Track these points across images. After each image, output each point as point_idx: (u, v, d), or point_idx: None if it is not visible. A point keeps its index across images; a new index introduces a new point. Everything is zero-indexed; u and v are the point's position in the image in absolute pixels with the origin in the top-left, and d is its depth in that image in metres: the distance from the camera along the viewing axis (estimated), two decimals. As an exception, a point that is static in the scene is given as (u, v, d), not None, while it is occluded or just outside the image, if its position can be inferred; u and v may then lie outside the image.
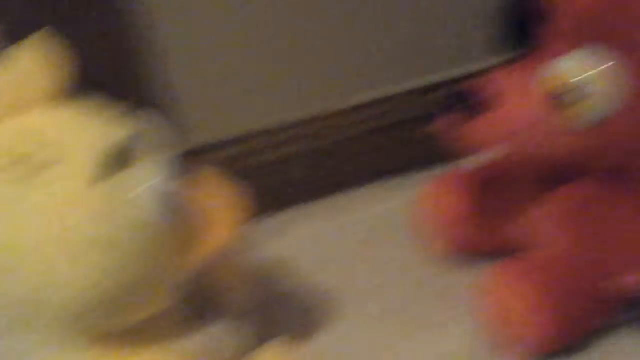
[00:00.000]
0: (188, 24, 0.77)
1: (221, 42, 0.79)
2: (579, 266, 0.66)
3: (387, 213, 0.85)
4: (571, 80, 0.61)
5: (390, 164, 0.88)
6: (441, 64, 0.86)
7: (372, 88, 0.85)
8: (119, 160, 0.51)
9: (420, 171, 0.85)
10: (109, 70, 0.72)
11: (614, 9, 0.60)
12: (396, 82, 0.86)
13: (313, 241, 0.82)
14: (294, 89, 0.83)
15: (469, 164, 0.75)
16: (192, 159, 0.78)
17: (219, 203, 0.58)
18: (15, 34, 0.54)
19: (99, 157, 0.50)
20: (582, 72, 0.60)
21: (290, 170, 0.84)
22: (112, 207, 0.50)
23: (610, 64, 0.60)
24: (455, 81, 0.75)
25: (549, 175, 0.69)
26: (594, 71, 0.60)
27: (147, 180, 0.51)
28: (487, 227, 0.74)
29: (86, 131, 0.51)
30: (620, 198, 0.67)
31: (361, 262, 0.79)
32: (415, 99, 0.86)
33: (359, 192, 0.87)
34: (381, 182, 0.88)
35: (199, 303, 0.61)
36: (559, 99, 0.61)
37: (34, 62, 0.52)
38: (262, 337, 0.62)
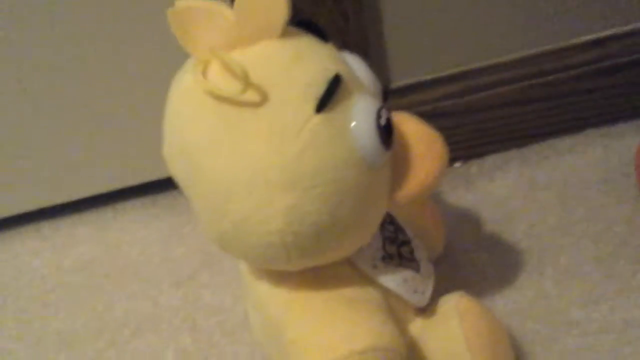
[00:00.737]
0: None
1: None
2: None
3: (599, 163, 0.81)
4: None
5: (616, 108, 0.84)
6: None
7: (590, 29, 0.81)
8: (338, 92, 0.51)
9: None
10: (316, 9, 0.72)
11: None
12: (618, 22, 0.81)
13: (518, 188, 0.80)
14: (496, 29, 0.80)
15: None
16: (390, 101, 0.79)
17: (420, 144, 0.57)
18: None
19: (321, 88, 0.50)
20: None
21: (494, 115, 0.82)
22: (334, 135, 0.50)
23: None
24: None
25: None
26: None
27: (365, 112, 0.51)
28: None
29: (309, 63, 0.51)
30: None
31: (557, 215, 0.77)
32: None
33: (562, 140, 0.84)
34: (599, 129, 0.84)
35: (396, 242, 0.61)
36: None
37: None
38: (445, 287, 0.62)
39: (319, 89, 0.50)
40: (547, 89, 0.81)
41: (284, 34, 0.52)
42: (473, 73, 0.80)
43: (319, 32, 0.54)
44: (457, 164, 0.84)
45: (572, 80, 0.81)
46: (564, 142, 0.84)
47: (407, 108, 0.60)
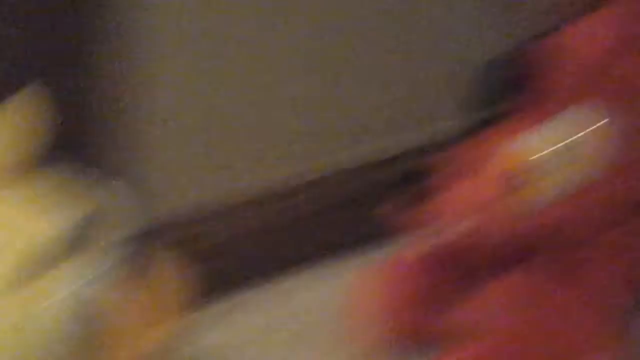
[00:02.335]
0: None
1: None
2: (519, 355, 0.64)
3: (327, 298, 0.80)
4: (532, 157, 0.57)
5: (342, 242, 0.84)
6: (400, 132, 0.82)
7: (320, 165, 0.81)
8: (43, 260, 0.48)
9: (366, 251, 0.82)
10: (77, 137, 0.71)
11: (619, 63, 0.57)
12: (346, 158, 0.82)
13: (252, 332, 0.78)
14: (245, 168, 0.79)
15: (414, 246, 0.70)
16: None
17: (165, 289, 0.56)
18: None
19: (20, 261, 0.47)
20: (564, 136, 0.57)
21: (238, 251, 0.81)
22: (26, 317, 0.47)
23: (604, 122, 0.57)
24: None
25: (494, 260, 0.66)
26: (580, 134, 0.56)
27: (67, 288, 0.48)
28: (433, 312, 0.71)
29: (16, 229, 0.49)
30: (563, 287, 0.65)
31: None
32: (367, 173, 0.82)
33: (308, 273, 0.83)
34: (330, 262, 0.83)
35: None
36: (516, 179, 0.59)
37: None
38: None
39: (18, 263, 0.47)
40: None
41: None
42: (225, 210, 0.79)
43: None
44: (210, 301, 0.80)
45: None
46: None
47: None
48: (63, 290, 0.49)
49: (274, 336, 0.80)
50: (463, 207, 0.63)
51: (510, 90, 0.63)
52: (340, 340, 0.76)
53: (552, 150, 0.60)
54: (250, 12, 0.79)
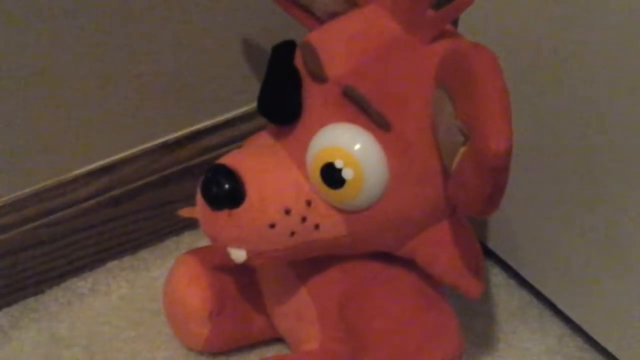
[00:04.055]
0: None
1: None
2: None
3: (123, 302, 0.75)
4: (333, 161, 0.54)
5: (135, 236, 0.78)
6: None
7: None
8: None
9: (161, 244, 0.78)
10: None
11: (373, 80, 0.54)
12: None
13: (39, 347, 0.71)
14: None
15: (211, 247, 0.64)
16: None
17: None
18: None
19: None
20: (337, 150, 0.54)
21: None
22: None
23: (367, 141, 0.54)
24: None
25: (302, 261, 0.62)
26: (349, 149, 0.54)
27: None
28: (237, 320, 0.68)
29: None
30: (378, 289, 0.62)
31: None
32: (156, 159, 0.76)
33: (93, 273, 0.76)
34: (121, 261, 0.77)
35: None
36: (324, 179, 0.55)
37: None
38: None
39: None
40: (57, 228, 0.73)
41: None
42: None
43: None
44: None
45: (82, 215, 0.74)
46: (85, 282, 0.76)
47: None
48: None
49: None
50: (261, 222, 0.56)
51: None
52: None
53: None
54: None
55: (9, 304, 0.73)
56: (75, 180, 0.72)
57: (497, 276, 0.77)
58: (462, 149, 0.49)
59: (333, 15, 0.59)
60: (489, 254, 0.76)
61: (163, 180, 0.76)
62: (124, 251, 0.78)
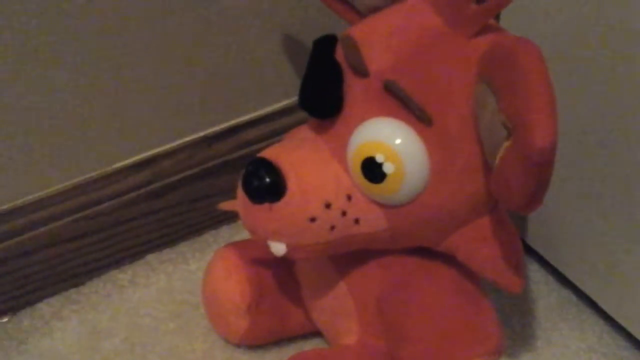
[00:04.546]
0: None
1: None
2: (375, 358, 0.62)
3: (164, 295, 0.75)
4: (374, 155, 0.54)
5: (174, 229, 0.78)
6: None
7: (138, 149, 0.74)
8: None
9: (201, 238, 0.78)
10: None
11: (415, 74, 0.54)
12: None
13: (81, 339, 0.71)
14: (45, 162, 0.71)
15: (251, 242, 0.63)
16: None
17: None
18: None
19: None
20: (378, 144, 0.54)
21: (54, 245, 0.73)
22: None
23: (408, 136, 0.54)
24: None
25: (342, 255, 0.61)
26: (390, 144, 0.54)
27: None
28: (275, 314, 0.68)
29: None
30: (417, 284, 0.62)
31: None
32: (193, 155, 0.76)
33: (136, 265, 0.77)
34: (160, 254, 0.78)
35: None
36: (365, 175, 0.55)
37: None
38: None
39: None
40: (98, 220, 0.74)
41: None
42: (4, 216, 0.71)
43: None
44: (4, 319, 0.72)
45: (123, 207, 0.75)
46: (125, 274, 0.77)
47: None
48: None
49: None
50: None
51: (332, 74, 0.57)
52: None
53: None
54: None
55: (50, 295, 0.74)
56: (116, 173, 0.73)
57: (536, 273, 0.76)
58: (506, 144, 0.49)
59: (374, 10, 0.59)
60: (528, 250, 0.76)
61: (202, 174, 0.77)
62: (163, 244, 0.78)
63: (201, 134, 0.76)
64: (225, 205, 0.64)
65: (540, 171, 0.47)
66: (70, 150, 0.71)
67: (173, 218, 0.77)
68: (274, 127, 0.78)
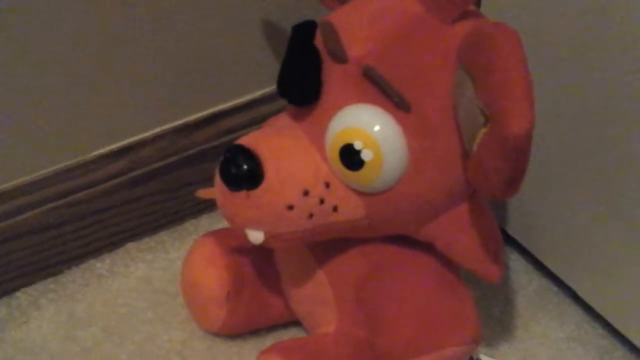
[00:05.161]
0: None
1: None
2: (353, 346, 0.62)
3: (143, 284, 0.74)
4: (353, 142, 0.54)
5: (154, 217, 0.78)
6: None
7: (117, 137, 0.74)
8: None
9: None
10: None
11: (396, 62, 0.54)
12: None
13: (58, 327, 0.71)
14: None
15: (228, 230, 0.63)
16: None
17: None
18: None
19: None
20: (357, 131, 0.54)
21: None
22: None
23: (387, 123, 0.54)
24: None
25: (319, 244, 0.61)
26: (368, 130, 0.54)
27: None
28: (254, 303, 0.67)
29: None
30: (396, 272, 0.61)
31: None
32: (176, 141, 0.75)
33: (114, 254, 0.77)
34: (139, 242, 0.77)
35: None
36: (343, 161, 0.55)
37: None
38: None
39: None
40: (78, 208, 0.73)
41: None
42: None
43: None
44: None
45: (102, 195, 0.74)
46: (104, 263, 0.76)
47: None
48: None
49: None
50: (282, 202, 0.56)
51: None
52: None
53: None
54: None
55: (28, 284, 0.74)
56: (95, 161, 0.72)
57: (516, 262, 0.76)
58: (483, 130, 0.49)
59: (354, -4, 0.59)
60: (508, 239, 0.76)
61: (182, 162, 0.76)
62: (142, 233, 0.78)
63: (181, 121, 0.75)
64: (204, 193, 0.64)
65: (516, 157, 0.47)
66: (49, 137, 0.70)
67: (153, 206, 0.77)
68: (254, 115, 0.77)
